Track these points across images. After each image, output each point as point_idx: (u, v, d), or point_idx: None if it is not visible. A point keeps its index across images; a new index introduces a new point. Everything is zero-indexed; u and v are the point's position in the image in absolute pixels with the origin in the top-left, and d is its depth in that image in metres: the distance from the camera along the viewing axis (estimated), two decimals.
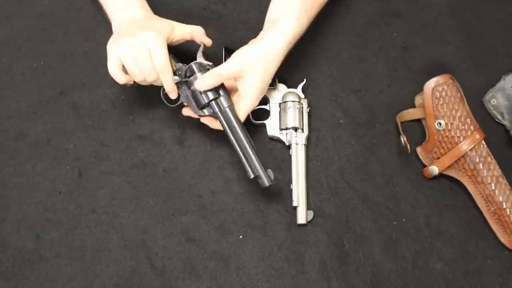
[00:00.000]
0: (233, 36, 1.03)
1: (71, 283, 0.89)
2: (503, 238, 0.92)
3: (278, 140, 0.96)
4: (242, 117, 0.87)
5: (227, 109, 0.86)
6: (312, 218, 0.92)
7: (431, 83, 0.93)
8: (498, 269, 0.92)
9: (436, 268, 0.91)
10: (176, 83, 0.87)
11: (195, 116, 0.89)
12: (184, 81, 0.87)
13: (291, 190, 0.92)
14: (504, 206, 0.90)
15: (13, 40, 1.02)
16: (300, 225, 0.92)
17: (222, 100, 0.86)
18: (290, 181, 0.93)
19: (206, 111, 0.87)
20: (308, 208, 0.92)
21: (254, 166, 0.85)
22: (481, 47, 1.05)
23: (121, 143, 0.96)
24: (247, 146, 0.85)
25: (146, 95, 0.97)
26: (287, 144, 0.95)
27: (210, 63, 0.87)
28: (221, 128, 0.87)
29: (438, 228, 0.93)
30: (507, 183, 0.91)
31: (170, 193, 0.94)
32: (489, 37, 1.06)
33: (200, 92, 0.85)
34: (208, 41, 0.91)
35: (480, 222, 0.94)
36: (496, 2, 1.08)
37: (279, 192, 0.94)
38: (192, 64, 0.87)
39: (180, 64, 0.88)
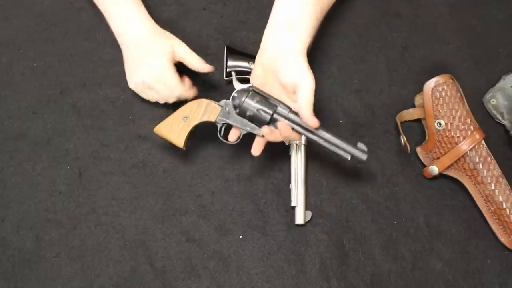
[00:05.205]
0: (233, 36, 1.03)
1: (71, 283, 0.89)
2: (503, 238, 0.92)
3: None
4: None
5: (291, 114, 0.84)
6: (311, 218, 0.92)
7: (431, 83, 0.93)
8: (498, 269, 0.92)
9: (436, 268, 0.91)
10: (228, 121, 0.87)
11: (261, 144, 0.87)
12: (237, 113, 0.86)
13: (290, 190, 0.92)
14: (504, 206, 0.90)
15: (13, 40, 1.02)
16: (298, 225, 0.92)
17: (281, 109, 0.84)
18: (290, 181, 0.93)
19: (272, 127, 0.85)
20: (307, 208, 0.92)
21: (344, 149, 0.84)
22: (481, 47, 1.05)
23: (121, 143, 0.96)
24: (328, 135, 0.84)
25: None
26: (287, 144, 0.95)
27: (249, 84, 0.86)
28: (279, 139, 0.85)
29: (438, 228, 0.93)
30: (507, 183, 0.91)
31: (170, 193, 0.94)
32: (489, 37, 1.06)
33: (258, 111, 0.84)
34: (208, 69, 0.91)
35: (480, 222, 0.94)
36: (496, 3, 1.08)
37: (279, 192, 0.94)
38: (234, 94, 0.86)
39: (223, 101, 0.87)
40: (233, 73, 0.88)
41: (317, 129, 0.84)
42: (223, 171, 0.95)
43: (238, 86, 0.86)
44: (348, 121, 0.99)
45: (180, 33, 1.01)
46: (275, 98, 0.85)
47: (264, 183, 0.95)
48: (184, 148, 0.89)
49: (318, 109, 0.99)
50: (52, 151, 0.96)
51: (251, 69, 0.95)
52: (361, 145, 0.85)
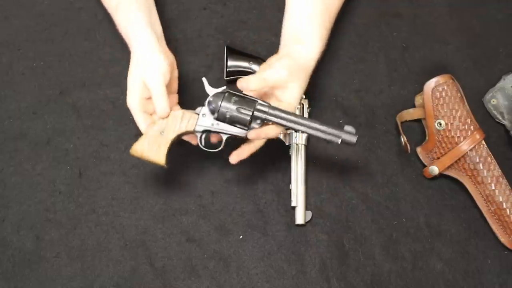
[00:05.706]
0: (233, 36, 1.03)
1: (71, 283, 0.89)
2: (503, 238, 0.92)
3: (278, 140, 0.96)
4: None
5: (271, 110, 0.82)
6: (311, 219, 0.92)
7: (431, 83, 0.93)
8: (498, 269, 0.92)
9: (436, 268, 0.91)
10: (207, 130, 0.83)
11: (250, 150, 0.85)
12: (215, 118, 0.82)
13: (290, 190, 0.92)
14: (504, 206, 0.90)
15: (13, 40, 1.02)
16: (298, 225, 0.92)
17: (260, 106, 0.81)
18: (290, 181, 0.93)
19: (255, 125, 0.83)
20: (307, 208, 0.92)
21: (333, 134, 0.81)
22: (481, 48, 1.05)
23: (121, 143, 0.96)
24: (312, 124, 0.81)
25: None
26: (287, 144, 0.95)
27: (223, 87, 0.83)
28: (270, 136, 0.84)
29: (438, 228, 0.93)
30: (507, 183, 0.91)
31: (170, 193, 0.94)
32: (489, 37, 1.06)
33: (239, 111, 0.81)
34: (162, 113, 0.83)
35: (480, 222, 0.94)
36: (496, 3, 1.08)
37: (279, 192, 0.94)
38: (209, 98, 0.82)
39: (199, 108, 0.83)
40: (204, 79, 0.83)
41: (299, 118, 0.82)
42: (223, 171, 0.95)
43: (211, 90, 0.83)
44: (348, 121, 0.99)
45: (180, 33, 1.02)
46: (251, 96, 0.82)
47: (264, 183, 0.95)
48: (166, 166, 0.84)
49: (318, 109, 0.99)
50: (52, 151, 0.96)
51: (251, 69, 0.95)
52: (348, 127, 0.82)
